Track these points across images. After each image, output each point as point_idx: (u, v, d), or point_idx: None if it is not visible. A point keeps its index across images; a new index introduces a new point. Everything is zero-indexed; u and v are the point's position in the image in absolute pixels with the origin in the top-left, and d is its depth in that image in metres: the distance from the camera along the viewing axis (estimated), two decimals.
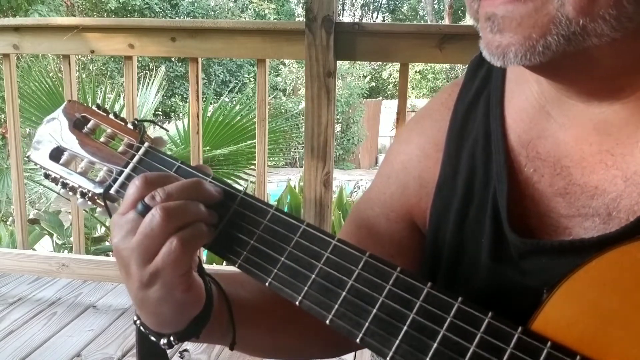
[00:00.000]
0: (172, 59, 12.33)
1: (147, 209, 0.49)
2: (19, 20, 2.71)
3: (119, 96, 4.14)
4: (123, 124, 0.61)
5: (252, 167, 3.40)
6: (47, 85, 3.31)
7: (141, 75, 4.45)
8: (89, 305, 2.19)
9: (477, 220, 0.57)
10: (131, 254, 0.50)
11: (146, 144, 0.59)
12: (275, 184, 7.58)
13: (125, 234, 0.50)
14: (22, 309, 2.14)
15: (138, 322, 0.56)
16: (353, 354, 1.81)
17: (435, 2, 22.05)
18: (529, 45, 0.43)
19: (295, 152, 10.32)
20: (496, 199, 0.55)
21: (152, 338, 0.56)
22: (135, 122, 0.60)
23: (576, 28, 0.42)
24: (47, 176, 0.61)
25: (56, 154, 0.61)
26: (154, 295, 0.50)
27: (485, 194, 0.56)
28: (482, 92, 0.61)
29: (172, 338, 0.55)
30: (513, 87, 0.58)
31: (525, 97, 0.56)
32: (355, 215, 0.71)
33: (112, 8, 12.80)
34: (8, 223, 4.02)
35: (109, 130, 0.61)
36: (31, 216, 3.67)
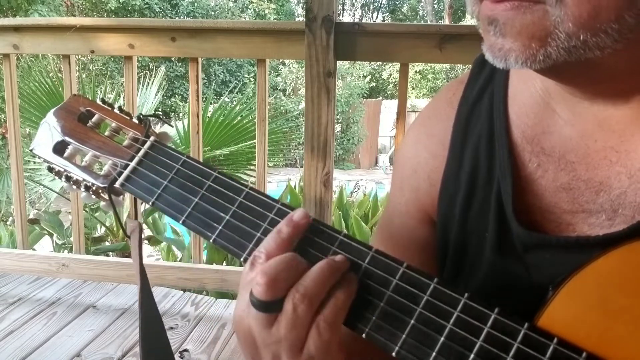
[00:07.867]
0: (172, 59, 12.31)
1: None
2: (19, 20, 2.71)
3: (119, 96, 4.14)
4: (128, 118, 0.60)
5: (252, 167, 3.40)
6: (47, 85, 3.31)
7: (141, 75, 4.45)
8: (89, 305, 2.19)
9: (481, 215, 0.57)
10: (280, 345, 0.47)
11: (152, 138, 0.59)
12: (275, 184, 7.60)
13: (265, 325, 0.47)
14: (22, 309, 2.14)
15: None
16: None
17: (435, 2, 22.08)
18: (529, 53, 0.43)
19: (295, 152, 10.31)
20: (500, 194, 0.55)
21: None
22: (141, 116, 0.60)
23: (577, 42, 0.42)
24: (50, 170, 0.61)
25: (60, 148, 0.61)
26: None
27: (489, 188, 0.57)
28: (486, 89, 0.61)
29: None
30: (517, 84, 0.58)
31: (530, 93, 0.56)
32: (379, 233, 0.71)
33: (112, 8, 12.78)
34: (8, 223, 4.02)
35: (113, 125, 0.60)
36: (31, 216, 3.67)
